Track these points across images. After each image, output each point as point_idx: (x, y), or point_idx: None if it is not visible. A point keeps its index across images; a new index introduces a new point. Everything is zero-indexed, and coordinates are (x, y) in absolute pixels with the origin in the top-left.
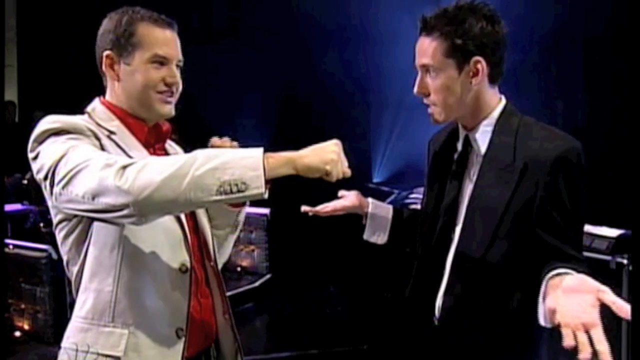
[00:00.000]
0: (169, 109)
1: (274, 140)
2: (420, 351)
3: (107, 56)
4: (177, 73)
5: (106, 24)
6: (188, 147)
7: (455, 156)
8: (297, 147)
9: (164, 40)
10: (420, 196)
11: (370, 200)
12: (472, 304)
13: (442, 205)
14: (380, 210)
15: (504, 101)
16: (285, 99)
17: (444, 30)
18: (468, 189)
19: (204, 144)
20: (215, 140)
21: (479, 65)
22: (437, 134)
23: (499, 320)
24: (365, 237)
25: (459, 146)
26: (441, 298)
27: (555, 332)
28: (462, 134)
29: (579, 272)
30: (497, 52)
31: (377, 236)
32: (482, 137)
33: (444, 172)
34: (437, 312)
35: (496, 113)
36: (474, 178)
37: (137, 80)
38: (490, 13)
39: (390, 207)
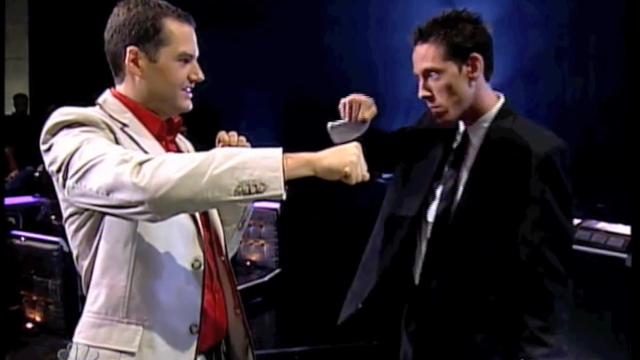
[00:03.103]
0: (189, 104)
1: (281, 136)
2: (401, 312)
3: (130, 51)
4: (200, 69)
5: (126, 16)
6: (196, 140)
7: (454, 147)
8: (304, 144)
9: (189, 36)
10: None
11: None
12: (450, 279)
13: (440, 189)
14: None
15: (502, 100)
16: (294, 95)
17: (439, 35)
18: (464, 177)
19: (211, 138)
20: (222, 134)
21: (476, 61)
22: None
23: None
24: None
25: (458, 138)
26: (420, 267)
27: None
28: (461, 127)
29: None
30: (489, 48)
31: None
32: (479, 133)
33: (438, 159)
34: (416, 279)
35: (494, 111)
36: (470, 168)
37: (164, 77)
38: (477, 16)
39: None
